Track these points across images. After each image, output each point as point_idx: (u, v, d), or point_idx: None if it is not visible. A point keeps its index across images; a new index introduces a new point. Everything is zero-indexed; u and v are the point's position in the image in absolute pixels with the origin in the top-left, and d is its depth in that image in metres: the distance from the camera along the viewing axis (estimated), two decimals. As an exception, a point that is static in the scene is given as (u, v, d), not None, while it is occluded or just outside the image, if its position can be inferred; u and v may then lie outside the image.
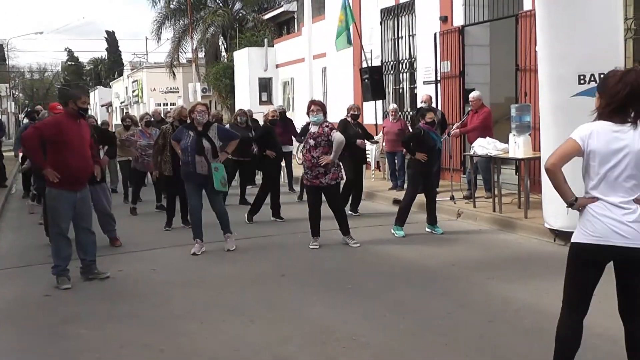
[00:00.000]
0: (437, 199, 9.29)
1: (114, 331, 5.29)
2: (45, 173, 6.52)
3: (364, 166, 11.71)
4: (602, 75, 7.25)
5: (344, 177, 9.22)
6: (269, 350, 4.75)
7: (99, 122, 13.42)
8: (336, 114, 14.23)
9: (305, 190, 8.75)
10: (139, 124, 12.47)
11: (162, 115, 15.01)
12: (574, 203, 3.56)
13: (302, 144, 9.01)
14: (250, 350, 4.77)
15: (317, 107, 8.23)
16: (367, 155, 14.76)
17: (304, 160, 8.27)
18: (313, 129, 8.19)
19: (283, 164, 12.69)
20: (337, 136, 8.08)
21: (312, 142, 8.09)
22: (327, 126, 8.13)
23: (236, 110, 14.14)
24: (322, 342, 4.88)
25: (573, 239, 3.63)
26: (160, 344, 4.95)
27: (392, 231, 8.78)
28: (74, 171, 6.58)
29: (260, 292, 6.33)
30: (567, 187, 3.55)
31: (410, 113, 14.85)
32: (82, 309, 5.94)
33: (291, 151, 13.98)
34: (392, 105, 13.42)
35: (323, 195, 8.29)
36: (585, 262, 3.59)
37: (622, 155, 3.43)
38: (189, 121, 8.29)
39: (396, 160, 12.57)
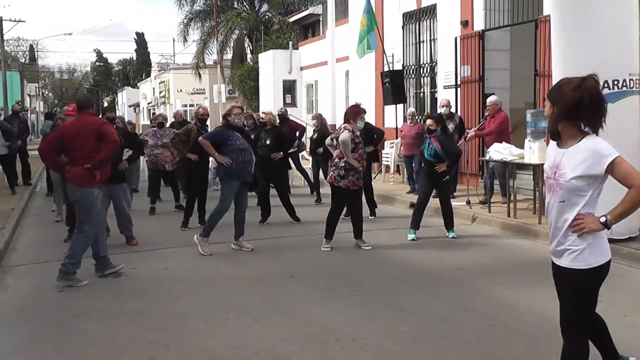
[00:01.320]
0: (453, 204, 9.29)
1: (121, 327, 5.41)
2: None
3: (381, 169, 11.70)
4: (615, 82, 7.28)
5: None
6: (269, 350, 4.82)
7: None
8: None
9: (338, 193, 8.29)
10: (153, 124, 12.55)
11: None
12: None
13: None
14: (251, 349, 4.84)
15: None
16: (387, 159, 14.83)
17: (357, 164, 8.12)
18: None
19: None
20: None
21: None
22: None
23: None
24: (322, 343, 4.94)
25: (599, 262, 3.38)
26: (164, 340, 5.05)
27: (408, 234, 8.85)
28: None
29: (267, 292, 6.42)
30: None
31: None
32: (93, 305, 6.07)
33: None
34: (410, 109, 13.46)
35: (350, 197, 8.35)
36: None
37: None
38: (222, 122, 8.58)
39: (413, 164, 12.60)
